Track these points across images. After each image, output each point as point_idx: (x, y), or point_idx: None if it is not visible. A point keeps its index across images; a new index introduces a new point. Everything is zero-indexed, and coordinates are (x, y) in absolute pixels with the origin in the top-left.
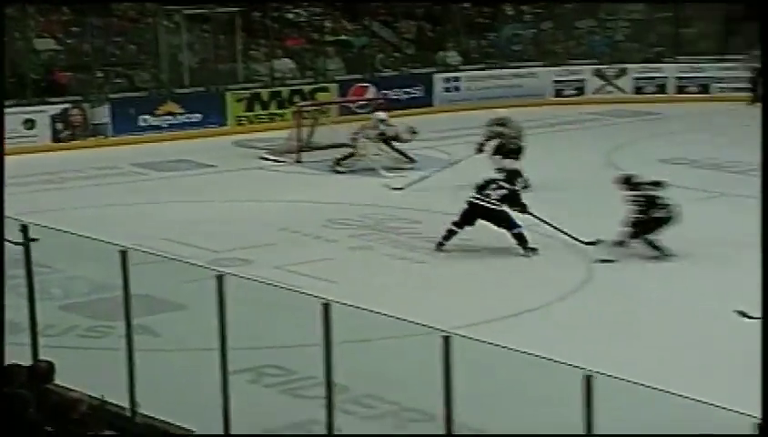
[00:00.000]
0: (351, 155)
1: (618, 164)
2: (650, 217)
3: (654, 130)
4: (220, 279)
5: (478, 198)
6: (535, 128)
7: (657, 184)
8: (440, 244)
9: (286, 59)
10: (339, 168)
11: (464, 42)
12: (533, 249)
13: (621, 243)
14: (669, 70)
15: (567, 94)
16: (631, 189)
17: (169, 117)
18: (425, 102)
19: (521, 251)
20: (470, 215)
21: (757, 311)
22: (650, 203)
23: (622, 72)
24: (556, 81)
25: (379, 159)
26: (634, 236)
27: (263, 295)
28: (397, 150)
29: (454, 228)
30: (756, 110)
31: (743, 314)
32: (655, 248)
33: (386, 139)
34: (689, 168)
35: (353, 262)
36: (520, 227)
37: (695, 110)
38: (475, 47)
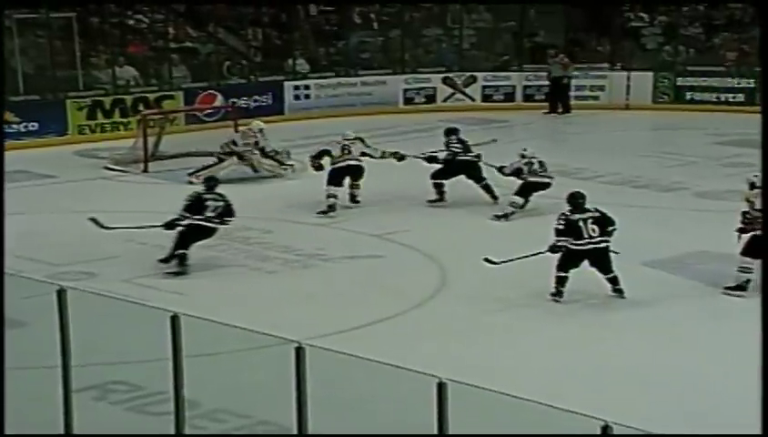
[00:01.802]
0: (212, 166)
1: None
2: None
3: (502, 138)
4: (61, 293)
5: None
6: (387, 136)
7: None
8: None
9: (128, 66)
10: (194, 179)
11: (312, 49)
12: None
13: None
14: (516, 78)
15: (417, 102)
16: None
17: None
18: (275, 110)
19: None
20: None
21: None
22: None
23: (472, 80)
24: (406, 89)
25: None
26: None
27: (108, 309)
28: (277, 160)
29: None
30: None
31: (489, 261)
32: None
33: (265, 154)
34: None
35: (203, 274)
36: None
37: (541, 118)
38: (324, 55)
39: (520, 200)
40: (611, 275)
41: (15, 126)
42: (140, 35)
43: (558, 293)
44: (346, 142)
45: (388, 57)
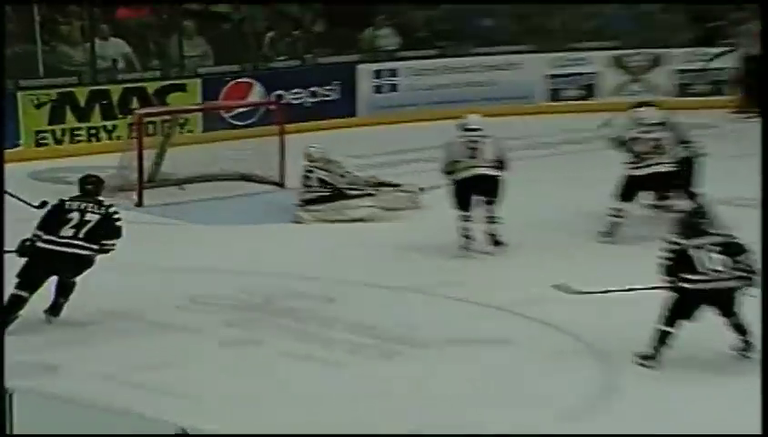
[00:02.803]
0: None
1: None
2: None
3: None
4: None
5: None
6: (518, 151)
7: None
8: None
9: (116, 39)
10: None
11: (403, 14)
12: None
13: None
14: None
15: (569, 95)
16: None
17: None
18: (343, 109)
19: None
20: None
21: None
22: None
23: (656, 62)
24: (552, 75)
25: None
26: None
27: (69, 414)
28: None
29: None
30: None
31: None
32: None
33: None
34: None
35: (225, 366)
36: None
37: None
38: (421, 22)
39: None
40: (736, 321)
41: None
42: None
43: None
44: (472, 137)
45: (522, 26)
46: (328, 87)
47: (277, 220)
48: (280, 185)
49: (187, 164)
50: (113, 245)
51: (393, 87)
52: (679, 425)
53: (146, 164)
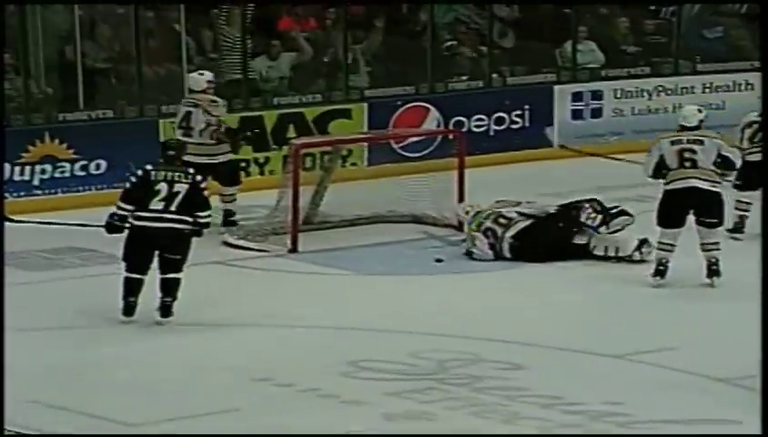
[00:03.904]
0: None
1: None
2: None
3: None
4: None
5: None
6: None
7: None
8: None
9: (289, 54)
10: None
11: (607, 23)
12: None
13: None
14: None
15: None
16: None
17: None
18: (535, 139)
19: None
20: None
21: None
22: None
23: None
24: None
25: None
26: None
27: None
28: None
29: None
30: None
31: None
32: None
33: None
34: None
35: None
36: None
37: None
38: (630, 34)
39: None
40: None
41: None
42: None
43: None
44: (686, 139)
45: (757, 37)
46: (517, 113)
47: (454, 270)
48: (458, 228)
49: (351, 203)
50: (207, 217)
51: (596, 113)
52: None
53: (303, 203)
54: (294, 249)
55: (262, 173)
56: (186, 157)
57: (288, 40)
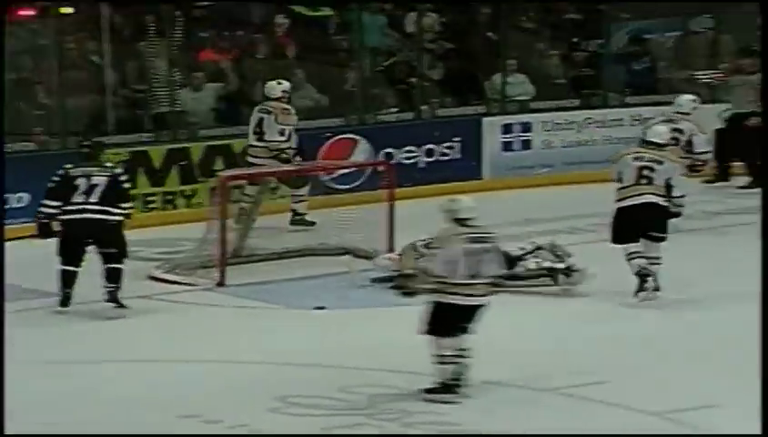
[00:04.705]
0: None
1: None
2: None
3: None
4: None
5: None
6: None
7: None
8: None
9: (213, 84)
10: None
11: (535, 54)
12: None
13: None
14: None
15: None
16: None
17: None
18: (464, 171)
19: None
20: None
21: None
22: None
23: None
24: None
25: None
26: None
27: None
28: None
29: None
30: None
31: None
32: None
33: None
34: None
35: None
36: None
37: None
38: (559, 65)
39: None
40: None
41: None
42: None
43: None
44: (647, 157)
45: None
46: (447, 145)
47: (386, 304)
48: (391, 261)
49: (280, 236)
50: (129, 208)
51: (526, 144)
52: None
53: (231, 236)
54: (222, 283)
55: (189, 206)
56: (254, 160)
57: (212, 72)
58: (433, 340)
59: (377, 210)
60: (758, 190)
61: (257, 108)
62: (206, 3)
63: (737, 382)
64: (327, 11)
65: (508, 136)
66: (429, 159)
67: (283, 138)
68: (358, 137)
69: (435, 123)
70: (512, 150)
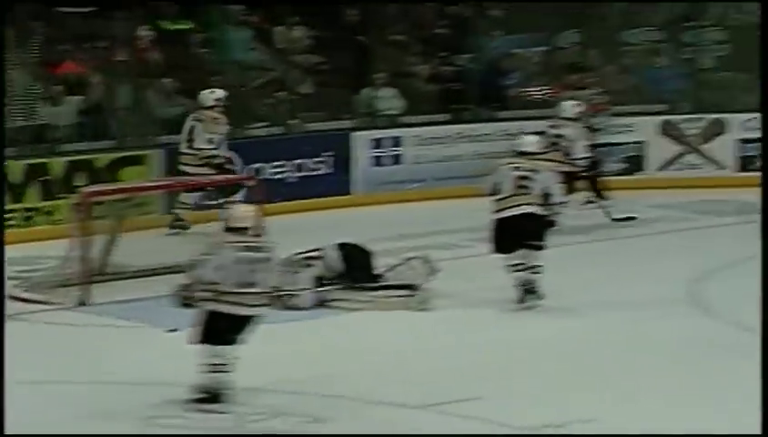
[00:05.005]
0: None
1: None
2: None
3: None
4: None
5: None
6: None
7: None
8: None
9: (72, 97)
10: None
11: (408, 69)
12: None
13: None
14: None
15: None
16: None
17: None
18: (335, 186)
19: None
20: None
21: None
22: None
23: (718, 128)
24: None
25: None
26: None
27: None
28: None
29: None
30: None
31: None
32: None
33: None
34: None
35: None
36: None
37: None
38: (430, 80)
39: None
40: None
41: None
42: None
43: None
44: (524, 167)
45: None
46: (317, 159)
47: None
48: None
49: (146, 253)
50: None
51: (396, 159)
52: None
53: (94, 253)
54: (84, 302)
55: (50, 223)
56: (185, 168)
57: (74, 85)
58: (204, 349)
59: None
60: (599, 203)
61: (190, 116)
62: (67, 14)
63: (615, 395)
64: (188, 24)
65: (378, 150)
66: (299, 174)
67: (212, 146)
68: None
69: (305, 137)
70: (383, 165)
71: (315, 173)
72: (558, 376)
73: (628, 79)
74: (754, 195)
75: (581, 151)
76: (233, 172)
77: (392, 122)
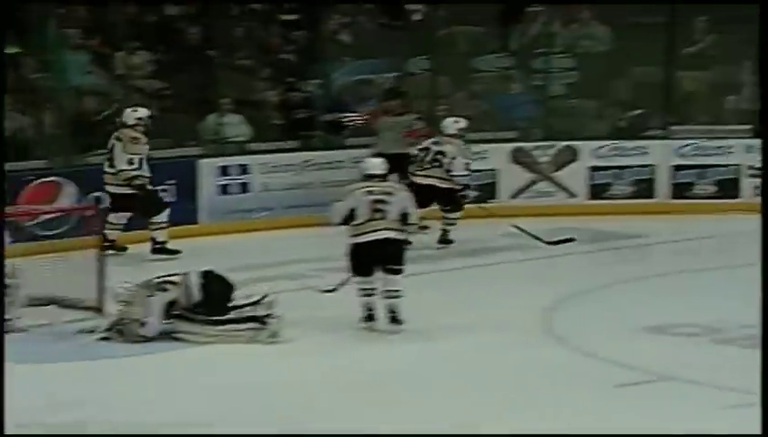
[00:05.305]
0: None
1: None
2: None
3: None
4: None
5: None
6: None
7: None
8: None
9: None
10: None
11: (256, 94)
12: None
13: None
14: (659, 152)
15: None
16: None
17: None
18: (179, 215)
19: None
20: None
21: None
22: None
23: (570, 156)
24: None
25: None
26: None
27: None
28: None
29: None
30: None
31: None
32: None
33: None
34: None
35: None
36: None
37: None
38: (278, 107)
39: None
40: None
41: None
42: None
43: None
44: (378, 190)
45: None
46: (161, 188)
47: (96, 356)
48: (98, 310)
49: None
50: None
51: (243, 187)
52: None
53: None
54: None
55: None
56: (108, 188)
57: None
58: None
59: (85, 259)
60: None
61: (113, 135)
62: None
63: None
64: (15, 48)
65: (225, 178)
66: None
67: (133, 166)
68: (62, 181)
69: (149, 165)
70: (230, 193)
71: None
72: (415, 402)
73: (479, 106)
74: (606, 223)
75: (460, 168)
76: (155, 192)
77: (239, 149)
